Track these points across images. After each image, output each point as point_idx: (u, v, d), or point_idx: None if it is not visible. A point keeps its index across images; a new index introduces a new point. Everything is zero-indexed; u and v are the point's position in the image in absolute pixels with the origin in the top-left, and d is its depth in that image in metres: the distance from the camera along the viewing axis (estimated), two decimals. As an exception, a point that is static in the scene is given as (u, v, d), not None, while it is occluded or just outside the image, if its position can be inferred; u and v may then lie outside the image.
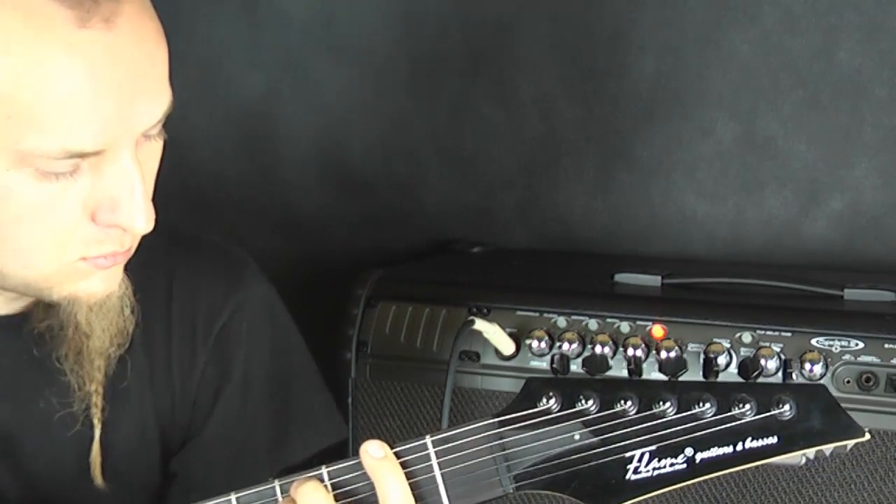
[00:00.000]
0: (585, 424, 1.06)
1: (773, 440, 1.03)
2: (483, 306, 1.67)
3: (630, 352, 1.57)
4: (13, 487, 1.24)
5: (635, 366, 1.54)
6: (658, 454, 1.04)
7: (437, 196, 2.15)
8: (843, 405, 1.04)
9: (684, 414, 1.04)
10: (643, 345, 1.58)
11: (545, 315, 1.64)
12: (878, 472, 1.50)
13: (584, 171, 2.05)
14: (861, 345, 1.52)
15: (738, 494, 1.55)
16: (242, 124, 2.23)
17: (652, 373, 1.57)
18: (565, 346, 1.60)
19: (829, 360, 1.51)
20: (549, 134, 2.07)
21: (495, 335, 1.63)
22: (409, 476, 1.07)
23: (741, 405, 1.04)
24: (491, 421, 1.08)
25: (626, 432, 1.05)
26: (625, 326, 1.61)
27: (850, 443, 1.03)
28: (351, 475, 1.08)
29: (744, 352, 1.54)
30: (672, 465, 1.04)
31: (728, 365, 1.54)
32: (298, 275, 2.15)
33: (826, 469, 1.52)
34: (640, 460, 1.05)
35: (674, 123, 1.99)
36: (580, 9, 2.01)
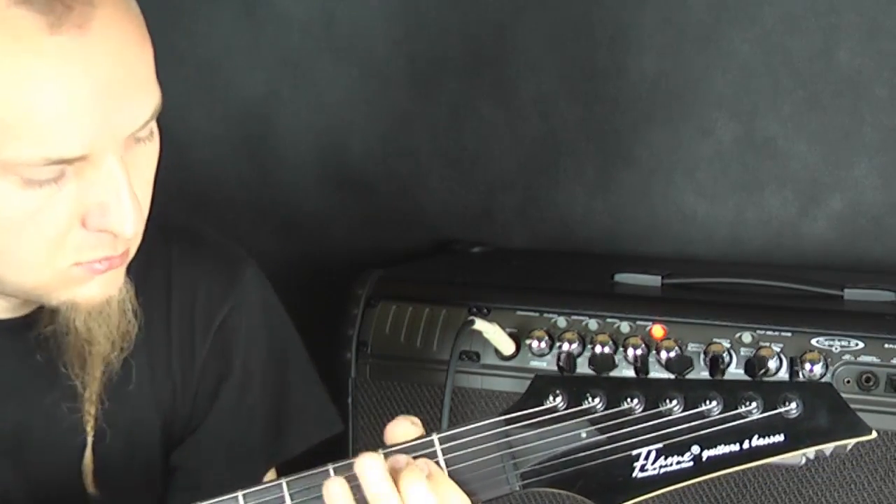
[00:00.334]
0: (592, 422, 1.06)
1: (779, 438, 1.03)
2: (483, 306, 1.67)
3: (630, 352, 1.58)
4: (19, 488, 1.24)
5: (641, 364, 1.54)
6: (664, 452, 1.04)
7: (437, 196, 2.15)
8: (844, 404, 1.05)
9: (691, 412, 1.04)
10: (643, 345, 1.58)
11: (545, 315, 1.64)
12: (878, 472, 1.50)
13: (584, 171, 2.05)
14: (861, 345, 1.52)
15: (738, 494, 1.56)
16: (242, 125, 2.23)
17: (654, 372, 1.57)
18: (565, 346, 1.60)
19: (829, 360, 1.52)
20: (549, 134, 2.07)
21: (495, 335, 1.63)
22: None
23: (748, 403, 1.04)
24: (498, 419, 1.08)
25: (633, 430, 1.05)
26: (625, 326, 1.61)
27: (854, 441, 1.03)
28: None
29: (744, 352, 1.54)
30: (678, 462, 1.04)
31: (729, 365, 1.54)
32: (298, 275, 2.15)
33: (826, 469, 1.52)
34: (646, 458, 1.05)
35: (674, 123, 1.99)
36: (580, 9, 2.01)
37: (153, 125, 1.10)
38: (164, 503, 1.33)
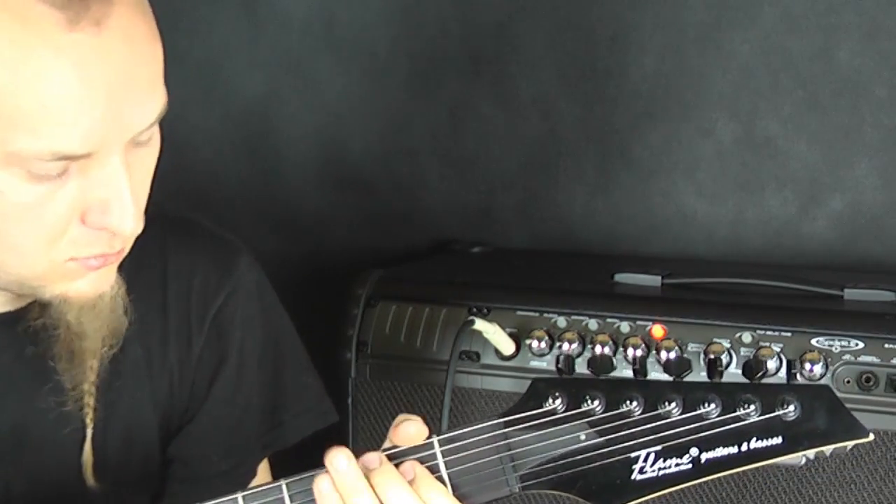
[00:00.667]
0: (591, 425, 1.06)
1: (777, 440, 1.03)
2: (483, 306, 1.67)
3: (630, 352, 1.58)
4: (18, 482, 1.25)
5: (640, 366, 1.54)
6: (663, 454, 1.05)
7: (437, 196, 2.15)
8: (842, 405, 1.05)
9: (689, 414, 1.05)
10: (643, 345, 1.58)
11: (545, 315, 1.65)
12: (878, 472, 1.51)
13: (584, 171, 2.06)
14: (861, 345, 1.52)
15: (738, 494, 1.56)
16: (242, 124, 2.23)
17: (653, 373, 1.57)
18: (565, 346, 1.60)
19: (829, 360, 1.52)
20: (549, 134, 2.07)
21: (495, 335, 1.63)
22: None
23: (746, 405, 1.04)
24: (497, 421, 1.08)
25: (632, 432, 1.05)
26: (625, 326, 1.61)
27: (851, 444, 1.04)
28: None
29: (744, 352, 1.54)
30: (677, 465, 1.04)
31: (729, 365, 1.55)
32: (298, 275, 2.16)
33: (826, 469, 1.52)
34: (645, 460, 1.05)
35: (674, 123, 1.99)
36: (580, 9, 2.01)
37: (155, 129, 1.10)
38: (162, 495, 1.34)
